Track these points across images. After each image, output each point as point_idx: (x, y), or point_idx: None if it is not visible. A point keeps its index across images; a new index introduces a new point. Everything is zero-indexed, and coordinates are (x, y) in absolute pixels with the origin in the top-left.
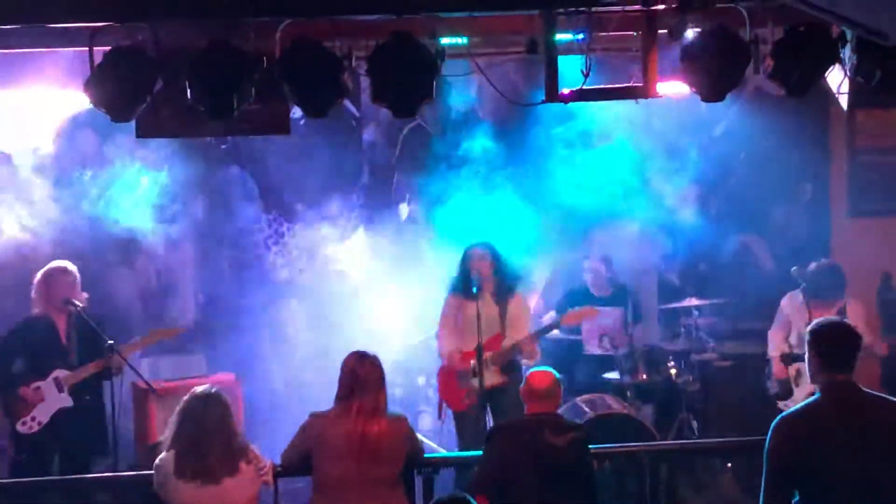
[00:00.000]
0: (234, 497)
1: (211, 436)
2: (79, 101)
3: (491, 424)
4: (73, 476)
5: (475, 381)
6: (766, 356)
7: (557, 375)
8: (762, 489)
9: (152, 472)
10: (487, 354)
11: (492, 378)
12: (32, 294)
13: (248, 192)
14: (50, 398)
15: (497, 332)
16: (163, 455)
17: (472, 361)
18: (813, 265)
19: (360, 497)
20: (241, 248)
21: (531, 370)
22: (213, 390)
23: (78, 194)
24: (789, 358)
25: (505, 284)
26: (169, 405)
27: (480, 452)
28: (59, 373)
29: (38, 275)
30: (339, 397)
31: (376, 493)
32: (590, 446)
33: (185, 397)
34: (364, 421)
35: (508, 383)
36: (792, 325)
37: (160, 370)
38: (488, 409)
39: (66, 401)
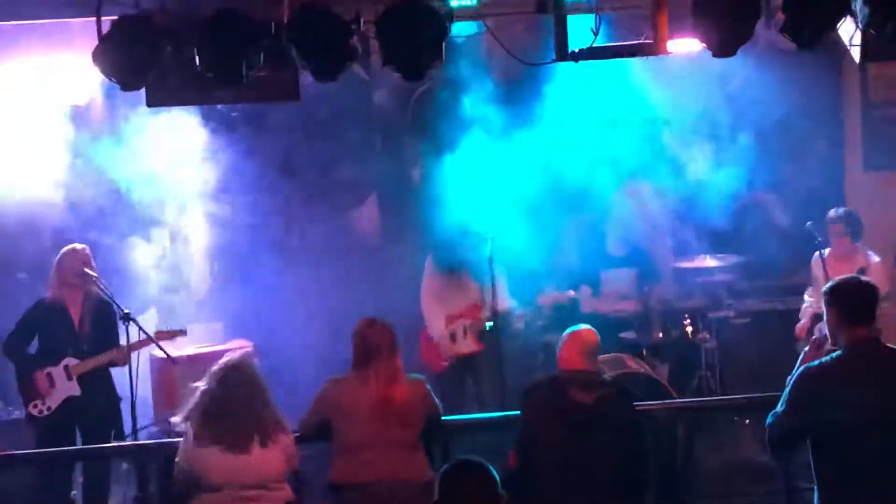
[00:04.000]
0: (264, 467)
1: (236, 406)
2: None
3: (472, 389)
4: (95, 445)
5: (457, 347)
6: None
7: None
8: (773, 428)
9: (171, 440)
10: (468, 322)
11: (469, 346)
12: (49, 277)
13: (260, 159)
14: (60, 385)
15: (475, 303)
16: (185, 427)
17: (451, 327)
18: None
19: (382, 460)
20: (255, 214)
21: (577, 327)
22: (238, 358)
23: (92, 164)
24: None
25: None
26: (187, 374)
27: (496, 415)
28: (70, 360)
29: (55, 258)
30: (355, 364)
31: (398, 456)
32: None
33: (213, 367)
34: (384, 385)
35: (484, 350)
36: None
37: (178, 339)
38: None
39: (73, 389)
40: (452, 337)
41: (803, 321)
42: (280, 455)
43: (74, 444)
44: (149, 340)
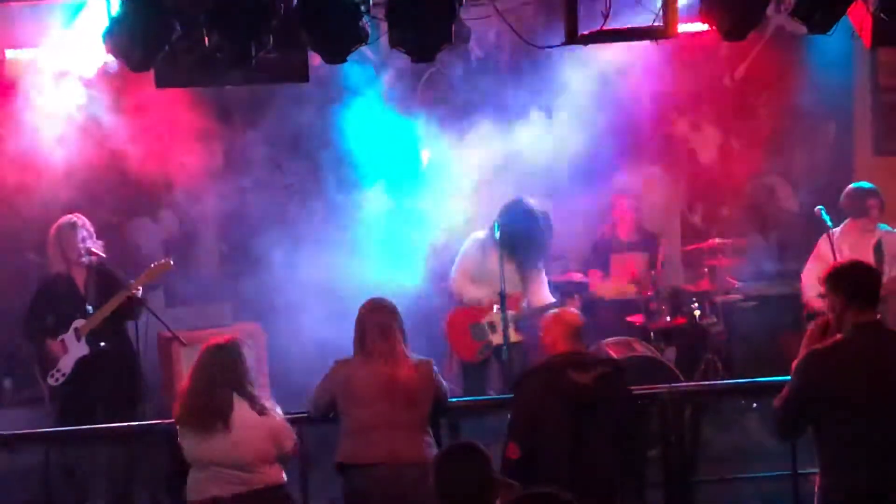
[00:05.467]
0: (241, 449)
1: (202, 388)
2: (97, 51)
3: (495, 379)
4: (98, 426)
5: (494, 337)
6: (802, 301)
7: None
8: (780, 411)
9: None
10: (510, 313)
11: (510, 335)
12: (48, 252)
13: (269, 141)
14: (71, 349)
15: (518, 292)
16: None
17: (490, 317)
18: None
19: (389, 441)
20: (264, 196)
21: (556, 310)
22: (223, 342)
23: (101, 143)
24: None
25: (535, 254)
26: (193, 354)
27: (503, 396)
28: (77, 322)
29: (51, 232)
30: (358, 345)
31: (405, 437)
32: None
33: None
34: (389, 366)
35: (521, 342)
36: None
37: (185, 319)
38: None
39: (83, 349)
40: (492, 327)
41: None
42: (262, 437)
43: (93, 410)
44: (139, 283)
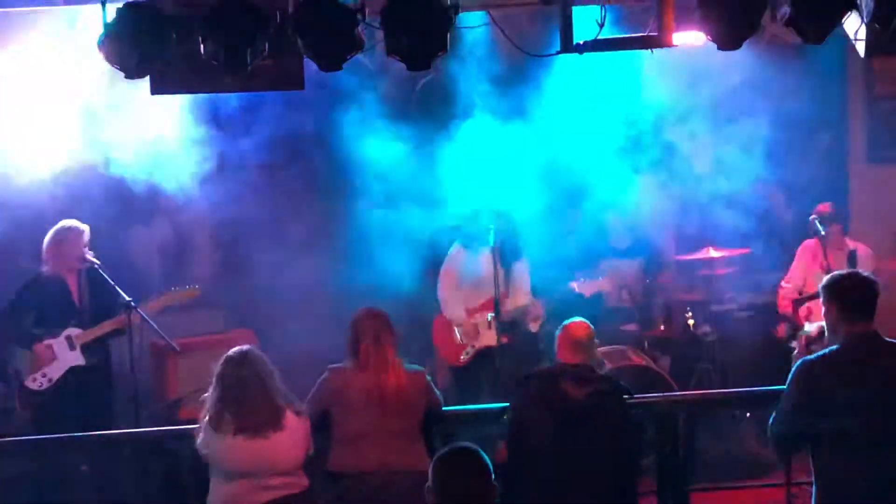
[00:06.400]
0: (286, 454)
1: (251, 392)
2: (92, 56)
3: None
4: (95, 432)
5: (476, 341)
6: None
7: (592, 328)
8: (776, 426)
9: (170, 427)
10: (490, 314)
11: (493, 337)
12: (43, 253)
13: (263, 146)
14: (62, 356)
15: (501, 292)
16: (204, 421)
17: (474, 319)
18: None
19: (380, 449)
20: (257, 202)
21: (568, 320)
22: (247, 348)
23: (95, 150)
24: (799, 302)
25: (514, 246)
26: (186, 361)
27: (497, 405)
28: (72, 331)
29: (49, 234)
30: (350, 353)
31: (396, 446)
32: (624, 398)
33: (220, 361)
34: (381, 375)
35: (506, 344)
36: (808, 272)
37: (177, 326)
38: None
39: (78, 359)
40: (476, 329)
41: (784, 305)
42: (301, 440)
43: (71, 419)
44: (160, 304)
